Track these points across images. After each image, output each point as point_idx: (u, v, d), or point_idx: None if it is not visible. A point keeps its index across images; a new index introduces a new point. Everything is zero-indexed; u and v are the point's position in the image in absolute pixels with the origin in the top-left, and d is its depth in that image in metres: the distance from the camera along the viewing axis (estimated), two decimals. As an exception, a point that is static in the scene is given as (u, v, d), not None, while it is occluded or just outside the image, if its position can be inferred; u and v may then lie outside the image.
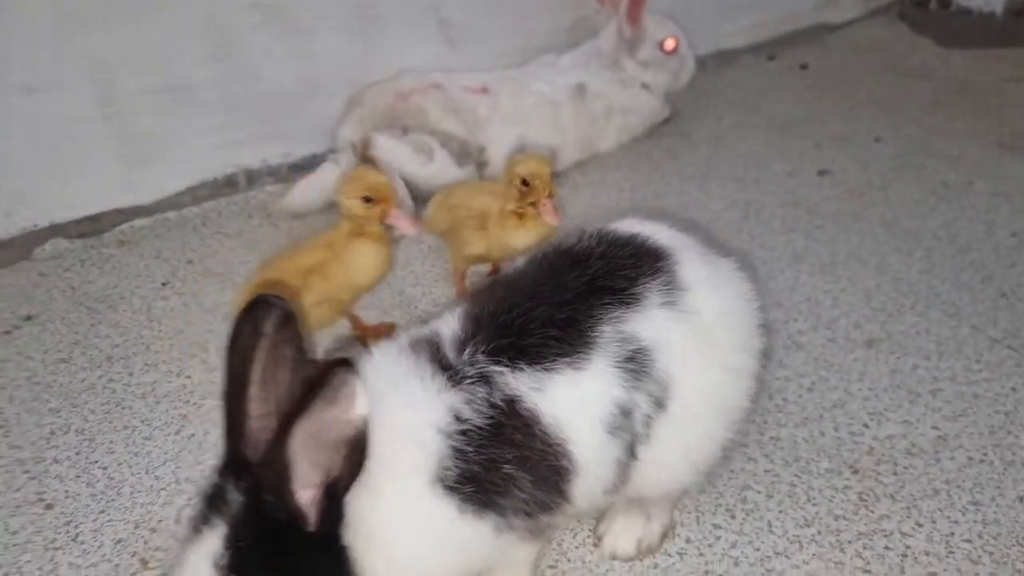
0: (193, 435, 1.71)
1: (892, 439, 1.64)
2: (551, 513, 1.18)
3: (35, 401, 1.81)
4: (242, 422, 1.05)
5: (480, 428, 1.11)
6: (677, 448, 1.25)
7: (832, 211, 2.42)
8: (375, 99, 2.53)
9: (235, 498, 1.02)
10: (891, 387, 1.77)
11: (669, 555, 1.42)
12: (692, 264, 1.28)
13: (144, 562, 1.44)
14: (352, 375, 0.96)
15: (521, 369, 1.15)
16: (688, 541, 1.45)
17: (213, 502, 1.04)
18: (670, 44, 2.72)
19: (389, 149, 2.44)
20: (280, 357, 1.06)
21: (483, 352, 1.15)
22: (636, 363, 1.18)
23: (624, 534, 1.42)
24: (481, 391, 1.13)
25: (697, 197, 2.51)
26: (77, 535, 1.49)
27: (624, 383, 1.17)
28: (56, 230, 2.38)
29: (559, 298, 1.20)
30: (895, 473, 1.57)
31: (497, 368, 1.15)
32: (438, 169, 2.48)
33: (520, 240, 1.92)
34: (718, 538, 1.45)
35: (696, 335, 1.23)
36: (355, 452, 0.99)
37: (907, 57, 3.39)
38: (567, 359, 1.16)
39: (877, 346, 1.89)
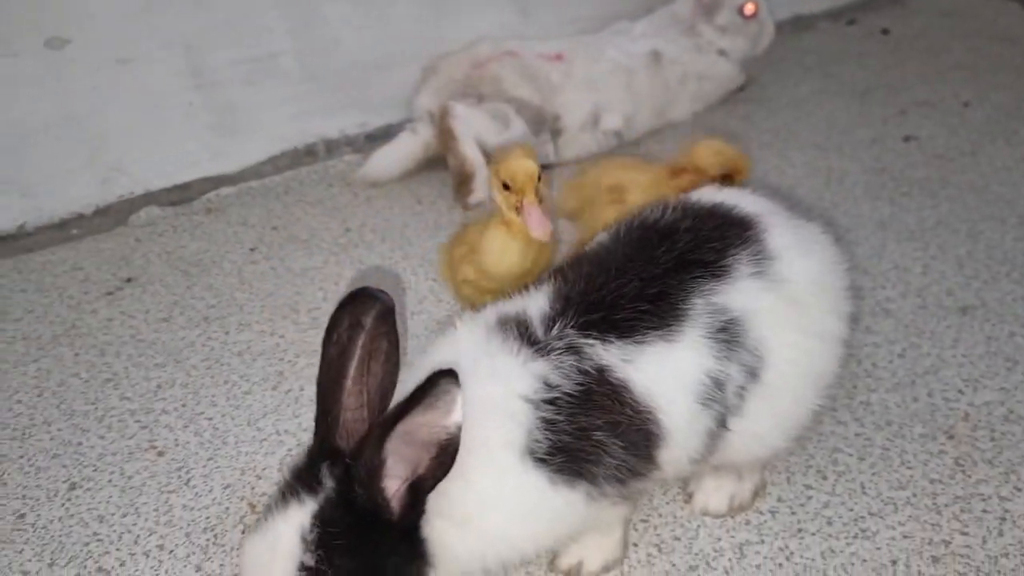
0: (289, 391, 1.79)
1: (989, 405, 1.61)
2: (641, 479, 1.19)
3: (141, 357, 1.91)
4: (337, 412, 1.10)
5: (569, 395, 1.12)
6: (768, 417, 1.25)
7: (919, 177, 2.36)
8: (451, 68, 2.56)
9: (327, 482, 1.07)
10: (987, 354, 1.73)
11: (760, 513, 1.43)
12: (778, 231, 1.28)
13: (252, 506, 1.52)
14: (455, 386, 1.00)
15: (611, 341, 1.16)
16: (780, 500, 1.45)
17: (304, 479, 1.08)
18: (750, 8, 2.67)
19: (466, 117, 2.46)
20: (376, 350, 1.12)
21: (572, 327, 1.16)
22: (729, 334, 1.18)
23: (716, 492, 1.43)
24: (569, 359, 1.14)
25: (776, 164, 2.47)
26: (188, 480, 1.58)
27: (716, 354, 1.17)
28: (149, 198, 2.49)
29: (649, 273, 1.20)
30: (992, 439, 1.54)
31: (587, 341, 1.15)
32: (513, 136, 2.48)
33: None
34: (810, 498, 1.45)
35: (787, 303, 1.23)
36: (444, 455, 1.03)
37: (992, 21, 3.26)
38: (658, 331, 1.17)
39: (972, 313, 1.84)
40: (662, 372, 1.15)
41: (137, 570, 1.41)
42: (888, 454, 1.53)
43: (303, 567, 1.03)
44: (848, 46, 3.14)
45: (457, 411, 1.00)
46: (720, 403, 1.19)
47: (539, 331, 1.17)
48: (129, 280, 2.19)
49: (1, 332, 2.01)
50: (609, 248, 1.30)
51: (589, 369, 1.13)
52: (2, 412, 1.76)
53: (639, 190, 1.84)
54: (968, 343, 1.77)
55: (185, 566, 1.41)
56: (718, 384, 1.17)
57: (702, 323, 1.17)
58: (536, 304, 1.22)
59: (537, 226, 1.55)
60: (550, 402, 1.11)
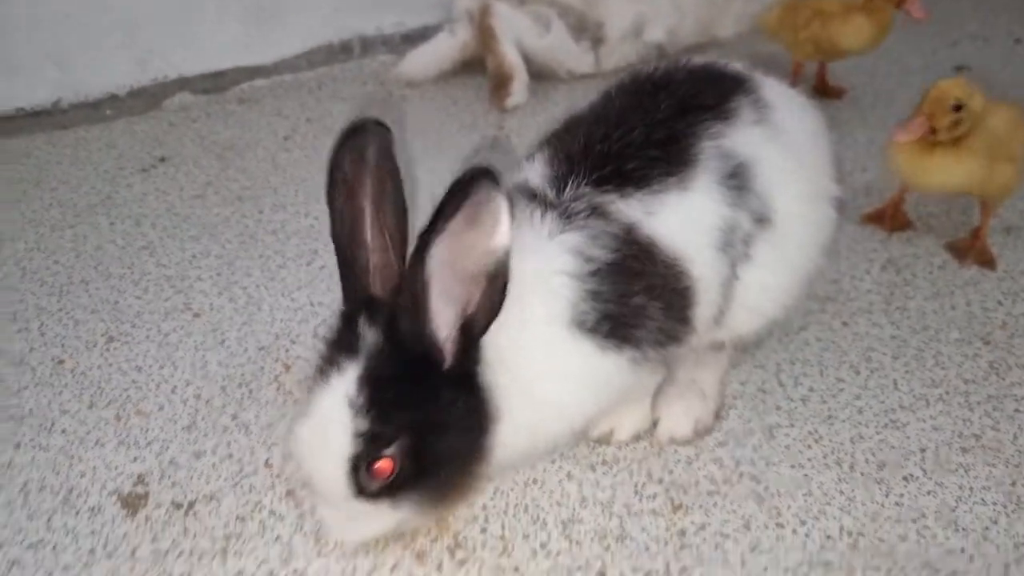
0: (324, 267, 1.79)
1: (1027, 317, 1.61)
2: (677, 343, 1.19)
3: (176, 229, 1.92)
4: (364, 259, 1.04)
5: (607, 264, 1.09)
6: (774, 269, 1.23)
7: (967, 105, 2.31)
8: (494, -32, 2.50)
9: (368, 337, 1.00)
10: (1028, 270, 1.73)
11: (791, 400, 1.44)
12: (772, 87, 1.28)
13: (287, 367, 1.54)
14: (497, 191, 0.89)
15: (630, 195, 1.12)
16: (811, 390, 1.46)
17: (340, 343, 1.03)
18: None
19: (507, 18, 2.42)
20: (384, 190, 1.03)
21: (587, 184, 1.12)
22: (738, 179, 1.16)
23: (682, 416, 1.37)
24: (597, 225, 1.10)
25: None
26: (223, 340, 1.60)
27: (728, 200, 1.15)
28: (183, 83, 2.48)
29: (652, 119, 1.17)
30: (1028, 347, 1.54)
31: (606, 198, 1.12)
32: (554, 41, 2.45)
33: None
34: (841, 390, 1.46)
35: (788, 153, 1.22)
36: (493, 287, 0.95)
37: (1049, -41, 3.15)
38: (672, 178, 1.14)
39: (1016, 233, 1.83)
40: (684, 221, 1.13)
41: (175, 414, 1.43)
42: (922, 355, 1.53)
43: (359, 434, 0.98)
44: (901, -23, 3.05)
45: (503, 228, 0.91)
46: (733, 250, 1.17)
47: (551, 195, 1.12)
48: (163, 159, 2.19)
49: (38, 199, 2.02)
50: (604, 104, 1.25)
51: (618, 232, 1.10)
52: (40, 270, 1.78)
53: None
54: (1010, 260, 1.75)
55: (221, 415, 1.43)
56: (731, 230, 1.16)
57: (713, 168, 1.15)
58: (536, 172, 1.17)
59: (919, 11, 1.92)
60: (590, 274, 1.09)
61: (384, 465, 1.00)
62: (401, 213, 1.06)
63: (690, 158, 1.15)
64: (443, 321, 0.98)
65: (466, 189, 0.89)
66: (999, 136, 1.65)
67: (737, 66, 1.31)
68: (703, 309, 1.18)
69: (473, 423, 1.04)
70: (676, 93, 1.20)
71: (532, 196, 1.14)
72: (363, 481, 1.01)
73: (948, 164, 1.64)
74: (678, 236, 1.13)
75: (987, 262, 1.74)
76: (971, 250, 1.75)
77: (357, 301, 1.05)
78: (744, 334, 1.32)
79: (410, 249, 1.00)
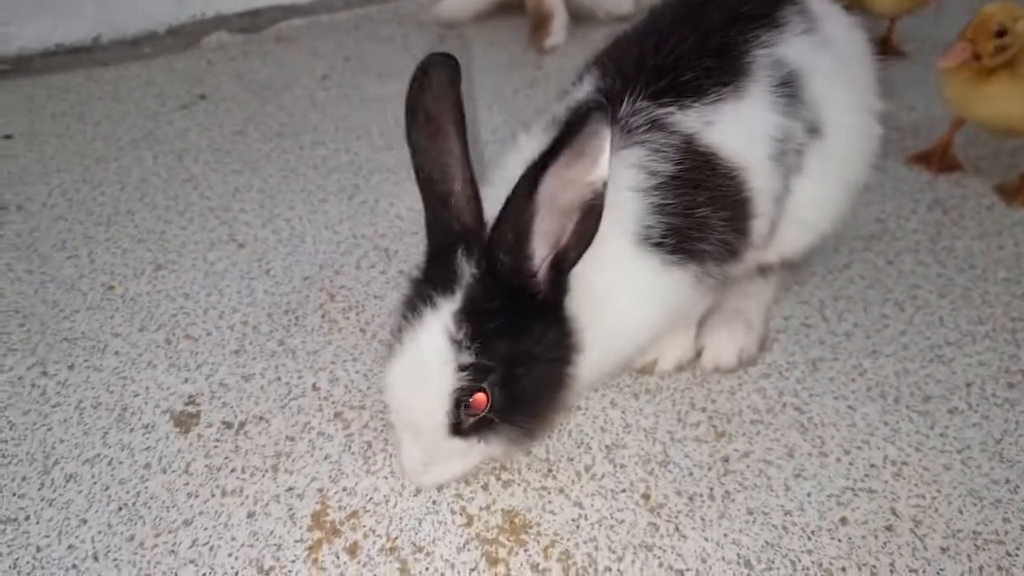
0: (365, 201, 1.80)
1: (1077, 258, 1.58)
2: (737, 258, 1.20)
3: (218, 164, 1.93)
4: (452, 191, 1.01)
5: (671, 177, 1.09)
6: (824, 180, 1.23)
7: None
8: (534, -94, 2.45)
9: (465, 271, 0.99)
10: (1079, 213, 1.69)
11: (835, 334, 1.44)
12: (818, 0, 1.28)
13: (331, 296, 1.56)
14: (605, 125, 0.89)
15: (689, 106, 1.12)
16: (856, 325, 1.46)
17: (433, 278, 1.02)
18: None
19: (547, -43, 2.37)
20: (462, 125, 1.01)
21: (644, 98, 1.11)
22: (790, 87, 1.16)
23: (727, 345, 1.37)
24: (657, 138, 1.10)
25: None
26: (269, 270, 1.62)
27: (782, 108, 1.16)
28: (220, 22, 2.47)
29: (704, 28, 1.16)
30: (1078, 288, 1.52)
31: (665, 110, 1.11)
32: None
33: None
34: (886, 326, 1.45)
35: (838, 65, 1.22)
36: (588, 220, 0.95)
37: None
38: (728, 87, 1.13)
39: (1066, 175, 1.79)
40: (741, 130, 1.13)
41: (223, 340, 1.46)
42: (969, 294, 1.51)
43: (463, 367, 0.98)
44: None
45: (604, 160, 0.90)
46: (788, 161, 1.17)
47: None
48: (203, 97, 2.20)
49: (80, 132, 2.04)
50: (651, 20, 1.25)
51: (679, 143, 1.10)
52: (87, 201, 1.81)
53: None
54: (1060, 201, 1.72)
55: (268, 340, 1.46)
56: (785, 139, 1.16)
57: (765, 76, 1.15)
58: (588, 92, 1.16)
59: None
60: (654, 188, 1.09)
61: (480, 398, 1.00)
62: (467, 151, 1.04)
63: (743, 67, 1.14)
64: (539, 253, 0.98)
65: (580, 125, 0.89)
66: None
67: None
68: (760, 222, 1.18)
69: (561, 353, 1.05)
70: (726, 3, 1.20)
71: None
72: (461, 416, 1.01)
73: (1003, 92, 1.60)
74: (737, 145, 1.13)
75: (1008, 196, 1.71)
76: (1020, 192, 1.72)
77: (449, 236, 1.03)
78: (792, 253, 1.33)
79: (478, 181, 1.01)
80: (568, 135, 0.89)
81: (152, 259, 1.65)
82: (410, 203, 1.79)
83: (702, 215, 1.11)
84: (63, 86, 2.23)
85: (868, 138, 1.29)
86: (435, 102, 1.01)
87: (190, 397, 1.36)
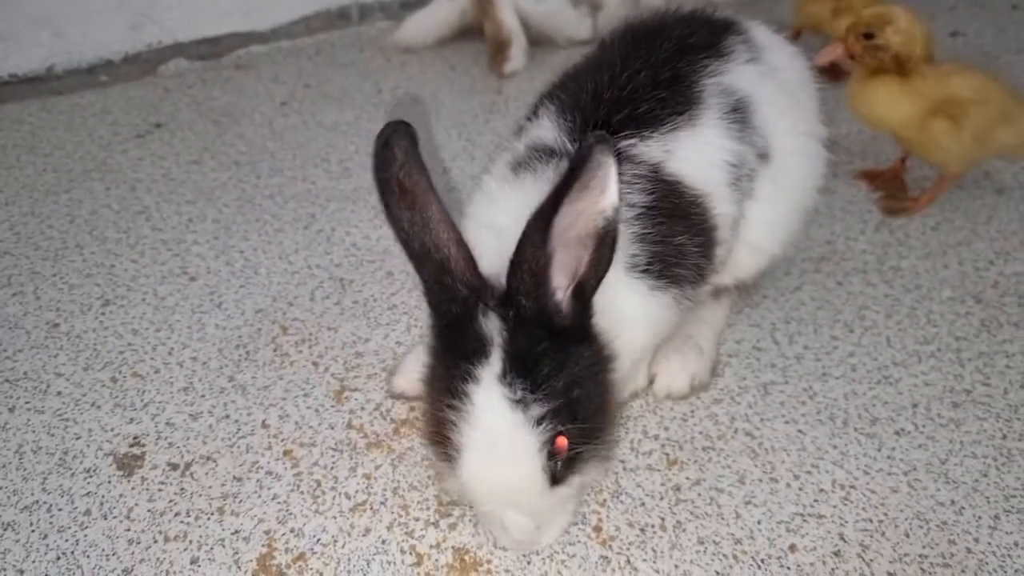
0: (321, 230, 1.79)
1: (1019, 275, 1.61)
2: (705, 282, 1.22)
3: (172, 194, 1.91)
4: (445, 253, 0.99)
5: (646, 207, 1.10)
6: (774, 204, 1.26)
7: (965, 68, 2.30)
8: (491, -68, 2.47)
9: (492, 331, 0.97)
10: (1021, 230, 1.72)
11: (786, 357, 1.45)
12: (760, 29, 1.32)
13: (284, 328, 1.54)
14: (609, 156, 0.89)
15: (649, 136, 1.14)
16: (806, 348, 1.47)
17: (460, 353, 0.98)
18: None
19: (504, -18, 2.39)
20: (432, 185, 1.00)
21: (606, 131, 1.09)
22: (740, 114, 1.19)
23: (679, 372, 1.37)
24: (627, 169, 1.11)
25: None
26: (220, 303, 1.60)
27: (734, 134, 1.18)
28: (178, 49, 2.45)
29: (655, 60, 1.19)
30: (1020, 304, 1.54)
31: (628, 142, 1.13)
32: (552, 6, 2.43)
33: None
34: (835, 347, 1.47)
35: (782, 91, 1.26)
36: (603, 247, 0.95)
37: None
38: (682, 116, 1.16)
39: (1008, 194, 1.83)
40: (699, 157, 1.15)
41: (171, 377, 1.44)
42: (915, 313, 1.53)
43: (538, 421, 0.95)
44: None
45: (612, 188, 0.90)
46: (742, 187, 1.20)
47: (572, 147, 1.12)
48: (158, 125, 2.18)
49: (31, 164, 2.01)
50: (601, 54, 1.27)
51: (646, 173, 1.12)
52: (34, 235, 1.78)
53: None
54: (1002, 220, 1.75)
55: (218, 376, 1.44)
56: (739, 165, 1.18)
57: (716, 103, 1.18)
58: (547, 128, 1.17)
59: None
60: (634, 218, 1.10)
61: (562, 440, 0.98)
62: (444, 205, 1.02)
63: (694, 96, 1.17)
64: (559, 286, 0.98)
65: (585, 161, 0.89)
66: (952, 92, 1.64)
67: (722, 12, 1.34)
68: (721, 248, 1.20)
69: (603, 364, 1.05)
70: (672, 35, 1.22)
71: (550, 152, 1.14)
72: (553, 465, 0.99)
73: (881, 95, 1.67)
74: (697, 172, 1.15)
75: (891, 212, 1.78)
76: (903, 208, 1.78)
77: (458, 302, 1.00)
78: (745, 275, 1.35)
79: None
80: (574, 173, 0.89)
81: (100, 294, 1.62)
82: (366, 231, 1.78)
83: (679, 242, 1.13)
84: (15, 117, 2.20)
85: (815, 162, 1.32)
86: (405, 173, 0.99)
87: (135, 438, 1.33)
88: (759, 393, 1.39)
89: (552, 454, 0.98)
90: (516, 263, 0.94)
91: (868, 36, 1.64)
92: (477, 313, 0.98)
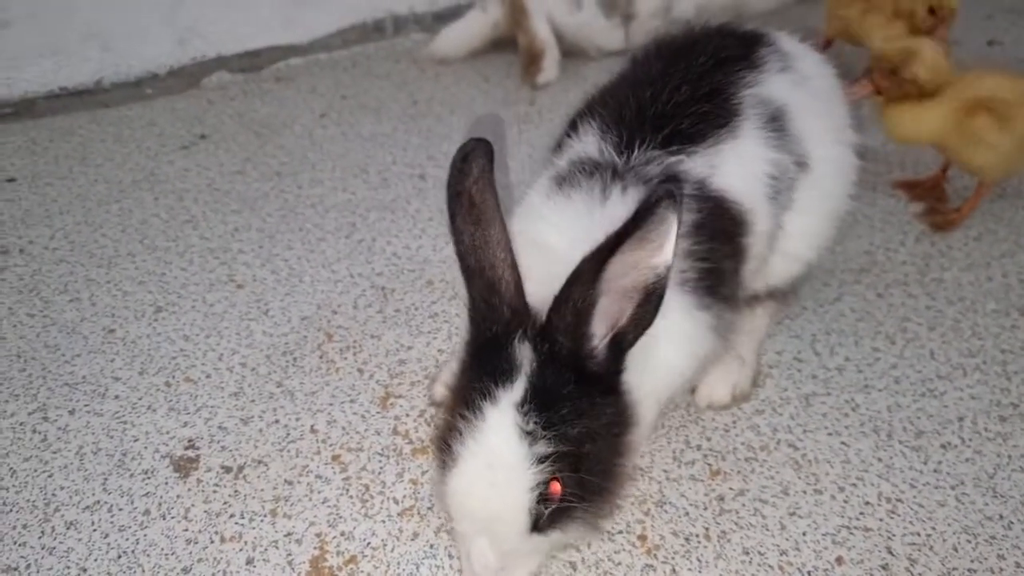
0: (362, 240, 1.83)
1: (1066, 289, 1.60)
2: (738, 300, 1.21)
3: (217, 204, 1.96)
4: (499, 276, 0.99)
5: (693, 224, 1.09)
6: (812, 212, 1.26)
7: (1005, 79, 2.28)
8: (526, -55, 2.50)
9: (523, 359, 0.96)
10: (1067, 243, 1.71)
11: (827, 369, 1.45)
12: (787, 40, 1.33)
13: (329, 336, 1.57)
14: (673, 215, 0.88)
15: (694, 152, 1.14)
16: (847, 359, 1.47)
17: (488, 373, 0.97)
18: None
19: (539, -5, 2.42)
20: (500, 208, 1.00)
21: (654, 147, 1.12)
22: (778, 123, 1.19)
23: (719, 383, 1.38)
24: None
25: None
26: (267, 310, 1.64)
27: (773, 143, 1.19)
28: (221, 62, 2.51)
29: (693, 75, 1.19)
30: (1067, 319, 1.54)
31: (676, 158, 1.13)
32: (585, 17, 2.45)
33: None
34: (878, 359, 1.47)
35: (815, 99, 1.27)
36: (649, 303, 0.93)
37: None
38: (724, 129, 1.16)
39: (1052, 205, 1.82)
40: (741, 170, 1.15)
41: (222, 382, 1.48)
42: (959, 326, 1.53)
43: (540, 460, 0.93)
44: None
45: (669, 247, 0.89)
46: (781, 199, 1.20)
47: (619, 162, 1.12)
48: (203, 137, 2.23)
49: (83, 175, 2.07)
50: (638, 70, 1.27)
51: (693, 191, 1.11)
52: (88, 243, 1.83)
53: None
54: (1047, 232, 1.75)
55: (266, 382, 1.48)
56: (778, 176, 1.18)
57: (755, 114, 1.18)
58: (590, 144, 1.17)
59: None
60: (682, 236, 1.07)
61: (556, 486, 0.95)
62: (507, 230, 1.01)
63: (734, 107, 1.18)
64: (598, 333, 0.96)
65: (650, 213, 0.88)
66: (989, 92, 1.64)
67: (754, 23, 1.35)
68: (752, 263, 1.20)
69: (620, 427, 1.02)
70: (706, 49, 1.23)
71: (596, 166, 1.13)
72: (540, 509, 0.96)
73: (910, 114, 1.67)
74: (740, 186, 1.15)
75: (938, 226, 1.77)
76: (948, 222, 1.77)
77: (500, 323, 0.99)
78: (780, 283, 1.35)
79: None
80: (637, 222, 0.88)
81: (152, 301, 1.67)
82: (406, 241, 1.81)
83: (723, 257, 1.12)
84: (66, 128, 2.27)
85: (848, 169, 1.33)
86: (477, 188, 0.99)
87: (189, 441, 1.37)
88: (801, 404, 1.39)
89: (543, 497, 0.95)
90: (561, 299, 0.94)
91: (893, 71, 1.64)
92: (514, 338, 0.97)
